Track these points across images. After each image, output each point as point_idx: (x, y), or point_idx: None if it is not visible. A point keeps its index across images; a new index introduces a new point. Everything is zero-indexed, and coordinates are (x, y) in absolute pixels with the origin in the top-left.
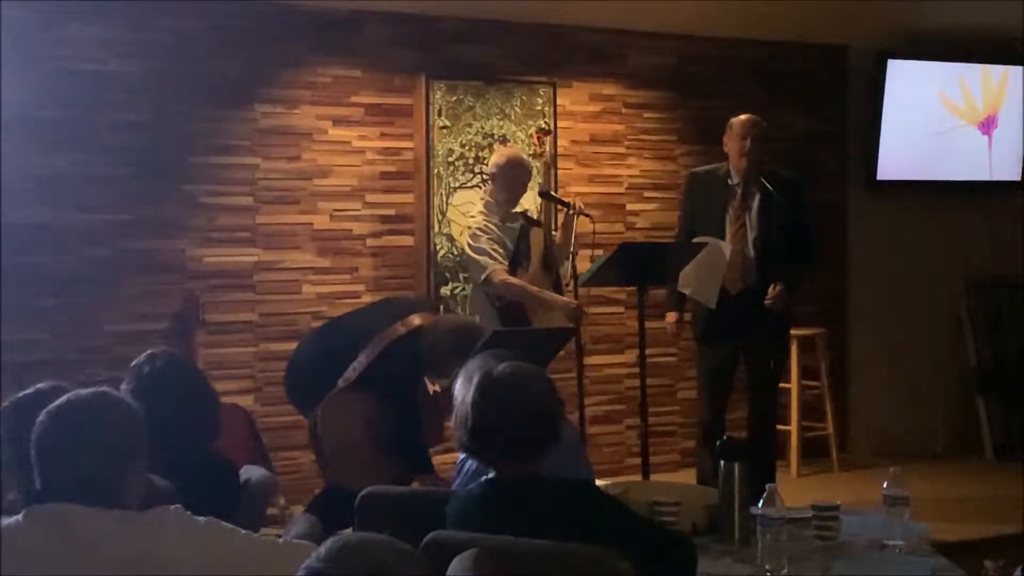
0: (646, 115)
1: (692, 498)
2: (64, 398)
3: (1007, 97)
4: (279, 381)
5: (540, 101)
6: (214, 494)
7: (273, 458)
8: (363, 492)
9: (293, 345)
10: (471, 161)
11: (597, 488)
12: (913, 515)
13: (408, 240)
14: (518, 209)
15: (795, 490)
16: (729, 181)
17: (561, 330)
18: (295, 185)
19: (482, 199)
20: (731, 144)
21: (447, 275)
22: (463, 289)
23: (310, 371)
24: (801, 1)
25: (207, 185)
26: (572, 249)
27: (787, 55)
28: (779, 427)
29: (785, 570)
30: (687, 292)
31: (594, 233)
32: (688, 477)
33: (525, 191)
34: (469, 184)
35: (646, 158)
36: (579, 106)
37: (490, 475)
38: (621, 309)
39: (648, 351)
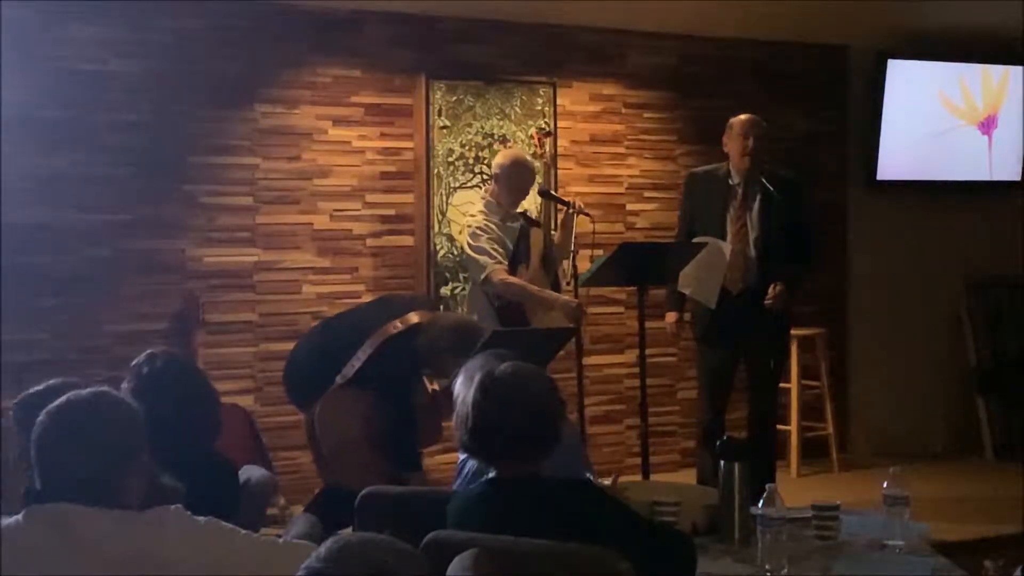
0: (646, 115)
1: (692, 498)
2: (64, 398)
3: (1007, 97)
4: (279, 381)
5: (540, 101)
6: (214, 494)
7: (273, 458)
8: (363, 492)
9: (293, 345)
10: (471, 161)
11: (597, 488)
12: (913, 515)
13: (408, 240)
14: (518, 209)
15: (795, 490)
16: (730, 181)
17: (561, 330)
18: (295, 185)
19: (483, 198)
20: (732, 144)
21: (447, 275)
22: (463, 289)
23: (308, 369)
24: (801, 1)
25: (207, 185)
26: (572, 248)
27: (787, 55)
28: (779, 427)
29: (785, 570)
30: (687, 292)
31: (594, 233)
32: (688, 477)
33: (528, 193)
34: (469, 184)
35: (646, 158)
36: (579, 106)
37: (490, 475)
38: (621, 309)
39: (648, 351)
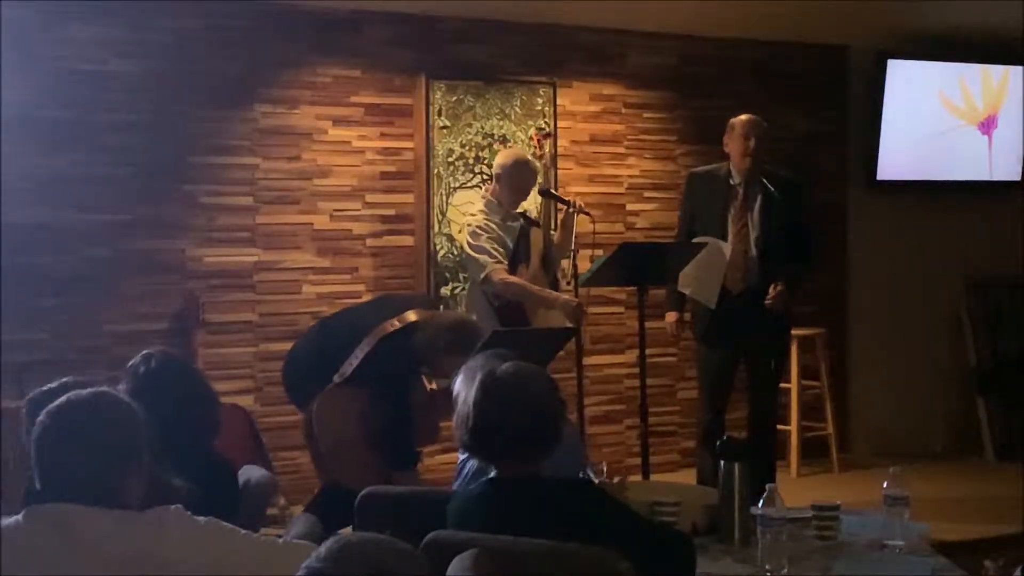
0: (646, 115)
1: (692, 498)
2: (64, 398)
3: (1007, 97)
4: (279, 381)
5: (540, 101)
6: (214, 494)
7: (273, 458)
8: (363, 492)
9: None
10: (471, 161)
11: (597, 488)
12: (913, 515)
13: (408, 240)
14: (518, 210)
15: (795, 490)
16: (730, 181)
17: (561, 330)
18: (295, 185)
19: (483, 198)
20: (733, 144)
21: (447, 275)
22: (463, 289)
23: (306, 368)
24: (801, 1)
25: (207, 185)
26: (572, 247)
27: (787, 55)
28: (779, 427)
29: (785, 570)
30: (687, 292)
31: (594, 233)
32: (688, 477)
33: (529, 193)
34: (469, 184)
35: (646, 158)
36: (579, 106)
37: (491, 475)
38: (621, 309)
39: (648, 351)
